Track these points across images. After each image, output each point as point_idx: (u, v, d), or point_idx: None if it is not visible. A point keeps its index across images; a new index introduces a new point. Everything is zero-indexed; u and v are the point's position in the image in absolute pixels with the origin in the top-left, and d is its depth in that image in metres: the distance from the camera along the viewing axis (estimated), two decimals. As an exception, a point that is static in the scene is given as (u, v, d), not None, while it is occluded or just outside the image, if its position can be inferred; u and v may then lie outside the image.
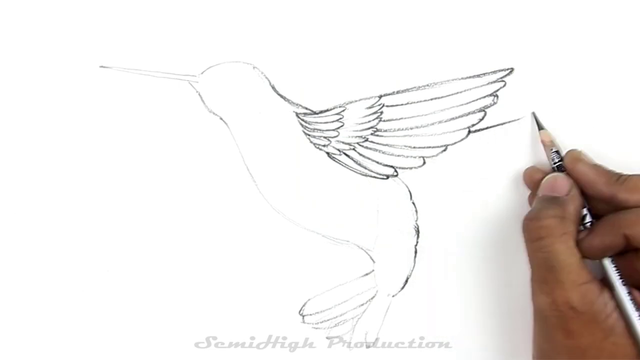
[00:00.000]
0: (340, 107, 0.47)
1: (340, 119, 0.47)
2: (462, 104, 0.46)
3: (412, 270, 0.47)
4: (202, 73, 0.47)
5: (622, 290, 0.40)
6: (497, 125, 0.46)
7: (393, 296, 0.48)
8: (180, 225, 0.48)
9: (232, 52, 0.47)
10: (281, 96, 0.47)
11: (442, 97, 0.46)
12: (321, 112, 0.47)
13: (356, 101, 0.47)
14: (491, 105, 0.46)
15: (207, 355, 0.48)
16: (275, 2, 0.47)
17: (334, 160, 0.47)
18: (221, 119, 0.47)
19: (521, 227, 0.42)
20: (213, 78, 0.47)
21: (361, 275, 0.48)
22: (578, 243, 0.41)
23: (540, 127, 0.46)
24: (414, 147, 0.47)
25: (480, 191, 0.46)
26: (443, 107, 0.46)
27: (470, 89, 0.46)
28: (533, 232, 0.41)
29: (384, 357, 0.48)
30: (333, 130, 0.47)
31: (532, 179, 0.45)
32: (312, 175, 0.47)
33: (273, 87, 0.47)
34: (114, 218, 0.48)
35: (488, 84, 0.46)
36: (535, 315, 0.42)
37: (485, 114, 0.46)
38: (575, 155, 0.44)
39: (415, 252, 0.47)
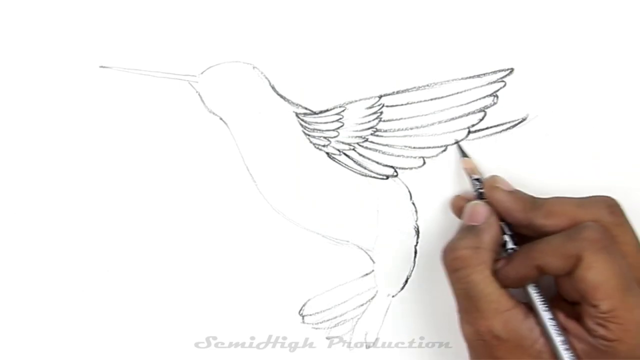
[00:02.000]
0: (340, 107, 0.47)
1: (340, 119, 0.47)
2: (462, 104, 0.46)
3: (412, 271, 0.47)
4: (202, 73, 0.47)
5: (545, 316, 0.40)
6: (497, 125, 0.46)
7: (393, 296, 0.48)
8: (180, 225, 0.48)
9: (232, 52, 0.47)
10: (281, 96, 0.47)
11: (442, 97, 0.46)
12: (321, 112, 0.47)
13: (356, 101, 0.47)
14: (491, 105, 0.46)
15: (207, 355, 0.48)
16: (275, 2, 0.47)
17: (334, 161, 0.47)
18: (221, 119, 0.47)
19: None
20: (213, 78, 0.47)
21: (361, 276, 0.48)
22: (496, 273, 0.41)
23: (463, 155, 0.46)
24: (414, 147, 0.47)
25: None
26: (443, 107, 0.46)
27: (470, 89, 0.46)
28: (450, 263, 0.41)
29: (384, 357, 0.48)
30: (333, 130, 0.47)
31: (457, 208, 0.45)
32: (312, 175, 0.47)
33: (273, 87, 0.47)
34: (114, 218, 0.48)
35: (488, 84, 0.46)
36: (466, 343, 0.42)
37: (485, 114, 0.46)
38: (491, 182, 0.44)
39: (415, 252, 0.47)
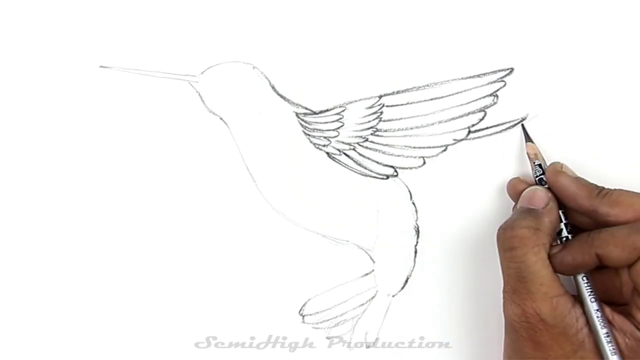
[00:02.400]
0: (340, 107, 0.47)
1: (340, 119, 0.47)
2: (462, 104, 0.46)
3: (412, 270, 0.47)
4: (202, 73, 0.47)
5: (592, 307, 0.40)
6: (497, 125, 0.46)
7: (393, 296, 0.48)
8: (180, 225, 0.48)
9: (232, 52, 0.47)
10: (281, 96, 0.47)
11: (442, 97, 0.46)
12: (321, 112, 0.47)
13: (356, 101, 0.47)
14: (491, 105, 0.46)
15: (207, 355, 0.48)
16: (275, 2, 0.47)
17: (334, 160, 0.47)
18: (221, 119, 0.47)
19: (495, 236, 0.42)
20: (213, 78, 0.47)
21: (361, 275, 0.48)
22: (551, 257, 0.41)
23: (527, 140, 0.46)
24: (414, 147, 0.47)
25: (480, 191, 0.46)
26: (443, 107, 0.46)
27: (470, 89, 0.46)
28: (506, 241, 0.41)
29: (384, 357, 0.48)
30: (333, 130, 0.47)
31: (515, 190, 0.45)
32: (312, 175, 0.47)
33: (273, 87, 0.47)
34: (114, 218, 0.48)
35: (488, 84, 0.46)
36: (505, 326, 0.42)
37: (485, 114, 0.46)
38: (556, 168, 0.44)
39: (415, 252, 0.47)
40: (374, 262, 0.48)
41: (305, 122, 0.47)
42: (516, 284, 0.41)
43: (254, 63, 0.47)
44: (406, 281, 0.47)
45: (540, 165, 0.44)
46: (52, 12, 0.47)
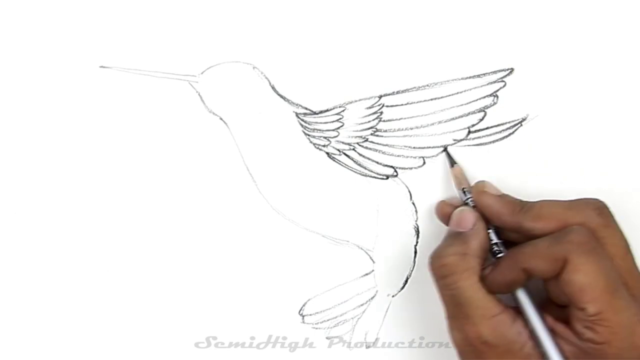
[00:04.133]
0: (340, 107, 0.47)
1: (340, 119, 0.47)
2: (462, 104, 0.46)
3: (412, 270, 0.47)
4: (202, 73, 0.47)
5: (533, 319, 0.40)
6: (497, 125, 0.46)
7: (393, 296, 0.48)
8: (180, 225, 0.48)
9: (232, 52, 0.47)
10: (281, 96, 0.47)
11: (442, 97, 0.46)
12: (321, 112, 0.47)
13: (356, 101, 0.47)
14: (491, 105, 0.46)
15: (207, 355, 0.48)
16: (275, 2, 0.47)
17: (334, 161, 0.47)
18: (221, 119, 0.47)
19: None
20: (213, 78, 0.47)
21: (361, 275, 0.48)
22: (484, 279, 0.41)
23: (452, 163, 0.46)
24: (414, 147, 0.47)
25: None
26: (443, 107, 0.46)
27: (470, 89, 0.46)
28: (437, 270, 0.41)
29: (384, 357, 0.48)
30: (333, 130, 0.47)
31: (443, 214, 0.45)
32: (312, 175, 0.47)
33: (273, 87, 0.47)
34: (113, 218, 0.48)
35: (488, 84, 0.46)
36: (456, 350, 0.42)
37: (485, 114, 0.46)
38: (479, 187, 0.44)
39: (415, 252, 0.47)
40: (374, 262, 0.48)
41: (305, 122, 0.47)
42: (454, 310, 0.41)
43: (254, 63, 0.47)
44: (406, 281, 0.47)
45: (464, 190, 0.45)
46: (52, 12, 0.47)
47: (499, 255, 0.42)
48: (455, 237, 0.42)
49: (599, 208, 0.41)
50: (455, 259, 0.41)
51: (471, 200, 0.44)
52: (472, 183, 0.45)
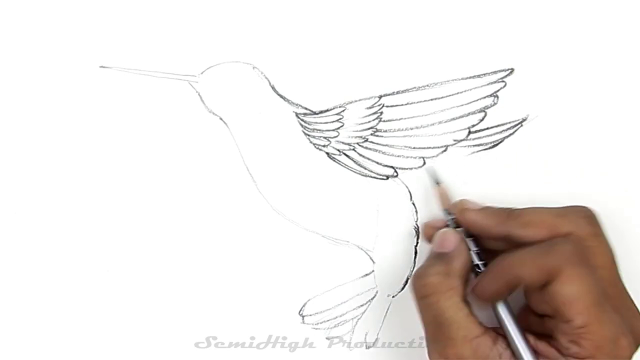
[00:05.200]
0: (340, 107, 0.47)
1: (340, 119, 0.47)
2: (462, 105, 0.46)
3: (412, 271, 0.47)
4: (202, 73, 0.47)
5: (515, 339, 0.40)
6: (498, 125, 0.46)
7: (393, 296, 0.48)
8: (180, 225, 0.48)
9: (232, 52, 0.47)
10: (281, 96, 0.47)
11: (442, 97, 0.46)
12: (321, 112, 0.47)
13: (356, 101, 0.47)
14: (491, 105, 0.46)
15: (207, 355, 0.48)
16: (275, 2, 0.47)
17: (334, 161, 0.47)
18: (221, 119, 0.47)
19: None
20: (213, 78, 0.47)
21: (361, 276, 0.48)
22: (472, 289, 0.41)
23: (436, 182, 0.46)
24: (414, 148, 0.47)
25: (480, 191, 0.46)
26: (443, 108, 0.46)
27: (471, 89, 0.46)
28: (419, 290, 0.41)
29: (384, 357, 0.48)
30: (333, 130, 0.47)
31: (427, 236, 0.45)
32: (312, 176, 0.47)
33: (273, 87, 0.47)
34: (113, 218, 0.48)
35: (488, 84, 0.46)
36: None
37: (485, 115, 0.46)
38: (461, 205, 0.44)
39: (415, 252, 0.47)
40: (374, 262, 0.48)
41: (305, 122, 0.47)
42: (435, 331, 0.40)
43: (254, 63, 0.47)
44: (406, 281, 0.47)
45: (447, 211, 0.45)
46: (52, 12, 0.47)
47: (483, 267, 0.42)
48: (437, 258, 0.42)
49: (589, 217, 0.41)
50: (438, 278, 0.41)
51: (453, 221, 0.44)
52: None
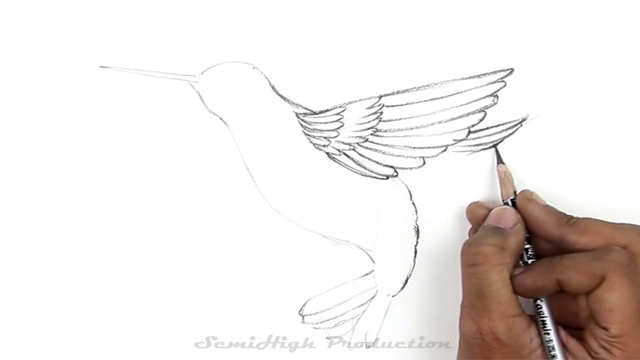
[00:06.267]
0: (340, 107, 0.47)
1: (340, 119, 0.47)
2: (462, 104, 0.46)
3: (412, 270, 0.47)
4: (202, 73, 0.47)
5: (548, 329, 0.40)
6: (498, 125, 0.46)
7: (393, 296, 0.48)
8: (180, 225, 0.48)
9: (232, 52, 0.47)
10: (281, 96, 0.47)
11: (442, 97, 0.46)
12: (321, 112, 0.47)
13: (356, 101, 0.47)
14: (491, 105, 0.46)
15: (207, 355, 0.48)
16: (275, 2, 0.47)
17: (334, 161, 0.47)
18: (221, 119, 0.47)
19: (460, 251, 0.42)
20: (213, 78, 0.47)
21: (361, 275, 0.48)
22: (512, 278, 0.41)
23: (499, 161, 0.46)
24: (414, 147, 0.47)
25: (480, 191, 0.46)
26: (443, 108, 0.46)
27: (471, 89, 0.46)
28: (470, 257, 0.41)
29: (384, 357, 0.48)
30: (333, 130, 0.47)
31: (474, 215, 0.45)
32: (312, 175, 0.47)
33: (273, 87, 0.47)
34: (113, 218, 0.48)
35: (488, 84, 0.46)
36: (460, 341, 0.42)
37: (485, 114, 0.46)
38: (526, 195, 0.44)
39: (415, 252, 0.47)
40: (374, 262, 0.48)
41: (305, 122, 0.47)
42: (475, 300, 0.41)
43: (254, 63, 0.47)
44: (406, 281, 0.47)
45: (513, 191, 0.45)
46: (52, 12, 0.47)
47: (528, 260, 0.42)
48: (494, 231, 0.42)
49: None
50: (492, 249, 0.41)
51: (514, 204, 0.44)
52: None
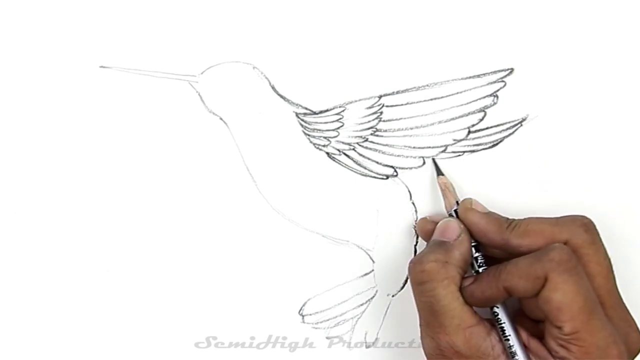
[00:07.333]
0: (340, 107, 0.47)
1: (340, 119, 0.47)
2: (462, 104, 0.46)
3: (412, 270, 0.47)
4: (202, 73, 0.47)
5: (508, 334, 0.40)
6: (497, 125, 0.46)
7: (393, 296, 0.48)
8: (180, 225, 0.48)
9: (232, 52, 0.47)
10: (281, 96, 0.47)
11: (442, 97, 0.46)
12: (321, 112, 0.47)
13: (356, 101, 0.47)
14: (491, 105, 0.46)
15: (207, 355, 0.48)
16: (275, 2, 0.47)
17: (334, 161, 0.47)
18: (221, 119, 0.47)
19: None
20: (213, 78, 0.47)
21: (361, 275, 0.48)
22: (462, 290, 0.41)
23: (439, 173, 0.46)
24: (414, 147, 0.47)
25: (480, 191, 0.46)
26: (443, 107, 0.46)
27: (470, 89, 0.46)
28: (416, 276, 0.41)
29: (384, 357, 0.48)
30: (333, 130, 0.47)
31: (423, 230, 0.45)
32: (312, 175, 0.47)
33: (273, 87, 0.47)
34: (113, 218, 0.48)
35: (488, 84, 0.46)
36: (426, 357, 0.42)
37: (485, 114, 0.46)
38: (466, 205, 0.44)
39: (415, 251, 0.47)
40: (373, 262, 0.48)
41: (305, 122, 0.47)
42: (429, 318, 0.41)
43: (254, 63, 0.47)
44: (406, 281, 0.47)
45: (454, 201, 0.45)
46: (52, 12, 0.47)
47: (481, 269, 0.42)
48: (438, 245, 0.42)
49: (585, 224, 0.41)
50: (436, 265, 0.41)
51: (456, 213, 0.44)
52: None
